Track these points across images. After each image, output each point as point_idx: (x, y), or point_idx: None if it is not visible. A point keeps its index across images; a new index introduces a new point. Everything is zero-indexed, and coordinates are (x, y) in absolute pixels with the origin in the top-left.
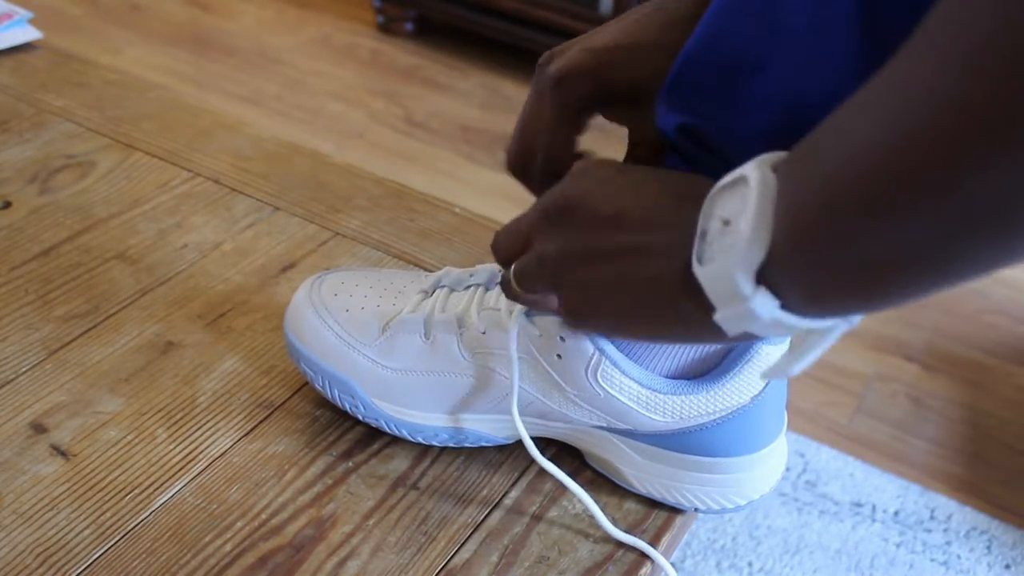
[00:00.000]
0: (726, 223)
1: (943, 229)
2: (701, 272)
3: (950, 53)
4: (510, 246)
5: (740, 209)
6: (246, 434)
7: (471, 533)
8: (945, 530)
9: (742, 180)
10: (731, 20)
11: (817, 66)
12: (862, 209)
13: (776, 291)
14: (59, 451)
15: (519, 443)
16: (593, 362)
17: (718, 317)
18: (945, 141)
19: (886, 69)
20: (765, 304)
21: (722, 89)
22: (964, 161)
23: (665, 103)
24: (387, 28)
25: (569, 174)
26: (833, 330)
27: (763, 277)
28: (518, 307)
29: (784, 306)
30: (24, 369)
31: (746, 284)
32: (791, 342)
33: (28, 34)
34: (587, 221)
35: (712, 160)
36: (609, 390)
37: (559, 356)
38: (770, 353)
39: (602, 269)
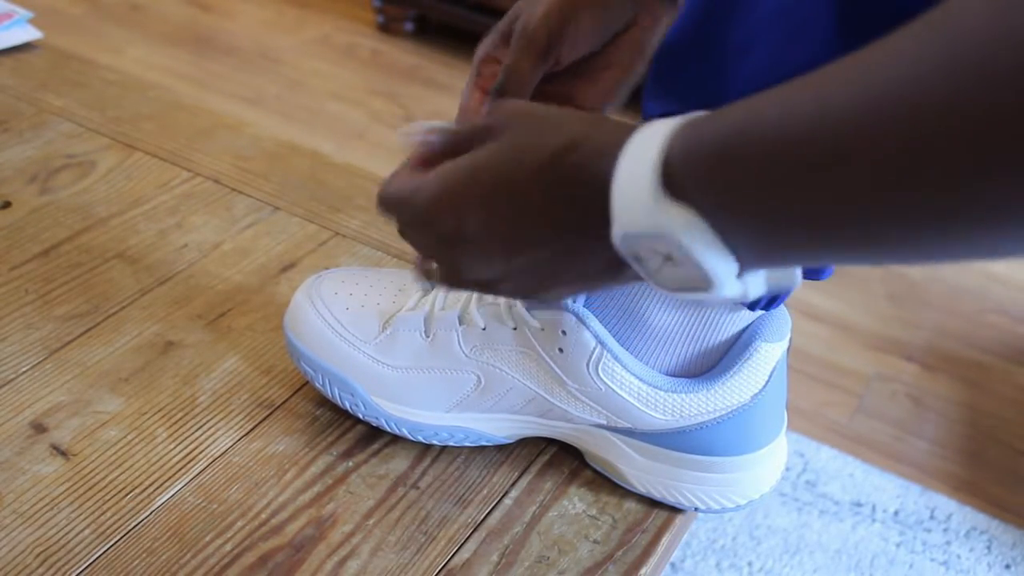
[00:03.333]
0: (668, 258)
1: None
2: (683, 297)
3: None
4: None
5: (679, 254)
6: (246, 434)
7: (471, 533)
8: (945, 530)
9: (661, 238)
10: (712, 6)
11: (799, 42)
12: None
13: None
14: (59, 451)
15: (519, 443)
16: (595, 356)
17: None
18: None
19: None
20: (756, 282)
21: (707, 75)
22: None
23: (650, 93)
24: (387, 28)
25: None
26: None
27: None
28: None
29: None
30: (24, 369)
31: (734, 285)
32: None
33: (28, 34)
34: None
35: None
36: (610, 384)
37: (561, 350)
38: (770, 351)
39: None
